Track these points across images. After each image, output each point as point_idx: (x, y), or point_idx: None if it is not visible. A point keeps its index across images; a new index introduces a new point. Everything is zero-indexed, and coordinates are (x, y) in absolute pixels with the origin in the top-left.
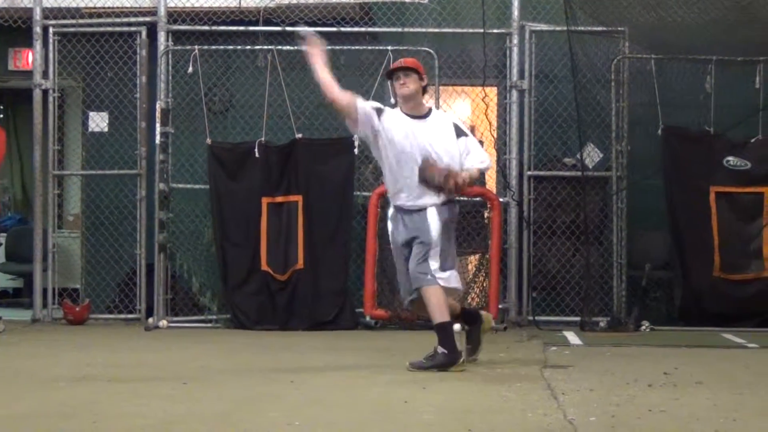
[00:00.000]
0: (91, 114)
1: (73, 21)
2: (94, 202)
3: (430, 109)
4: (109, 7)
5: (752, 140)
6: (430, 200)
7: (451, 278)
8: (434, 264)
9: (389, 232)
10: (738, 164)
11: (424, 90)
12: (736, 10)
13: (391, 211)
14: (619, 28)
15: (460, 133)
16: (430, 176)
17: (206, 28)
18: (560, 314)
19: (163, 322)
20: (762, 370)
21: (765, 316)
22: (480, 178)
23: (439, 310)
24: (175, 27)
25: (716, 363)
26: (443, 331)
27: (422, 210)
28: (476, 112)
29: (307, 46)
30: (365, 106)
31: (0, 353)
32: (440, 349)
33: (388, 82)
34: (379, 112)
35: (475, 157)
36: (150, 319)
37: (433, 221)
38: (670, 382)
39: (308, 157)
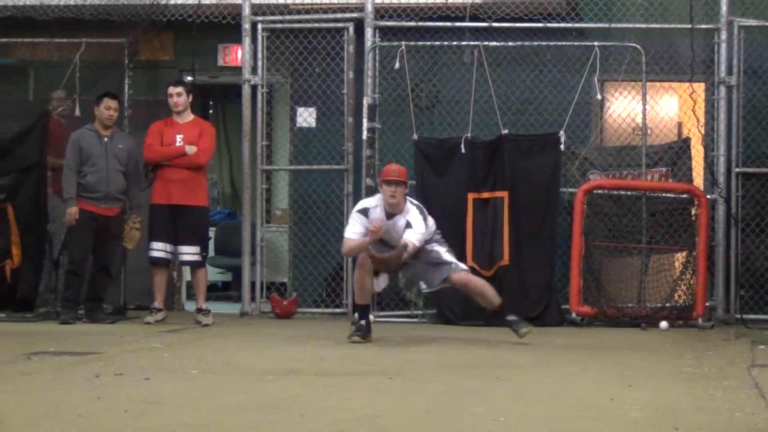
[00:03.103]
0: (299, 109)
1: (281, 17)
2: (302, 196)
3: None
4: (316, 3)
5: None
6: None
7: None
8: None
9: None
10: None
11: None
12: None
13: None
14: None
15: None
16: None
17: (413, 24)
18: None
19: (370, 317)
20: None
21: None
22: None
23: None
24: (382, 23)
25: None
26: None
27: None
28: (683, 108)
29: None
30: (357, 233)
31: (209, 346)
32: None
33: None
34: (364, 212)
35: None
36: (356, 314)
37: None
38: None
39: (514, 153)
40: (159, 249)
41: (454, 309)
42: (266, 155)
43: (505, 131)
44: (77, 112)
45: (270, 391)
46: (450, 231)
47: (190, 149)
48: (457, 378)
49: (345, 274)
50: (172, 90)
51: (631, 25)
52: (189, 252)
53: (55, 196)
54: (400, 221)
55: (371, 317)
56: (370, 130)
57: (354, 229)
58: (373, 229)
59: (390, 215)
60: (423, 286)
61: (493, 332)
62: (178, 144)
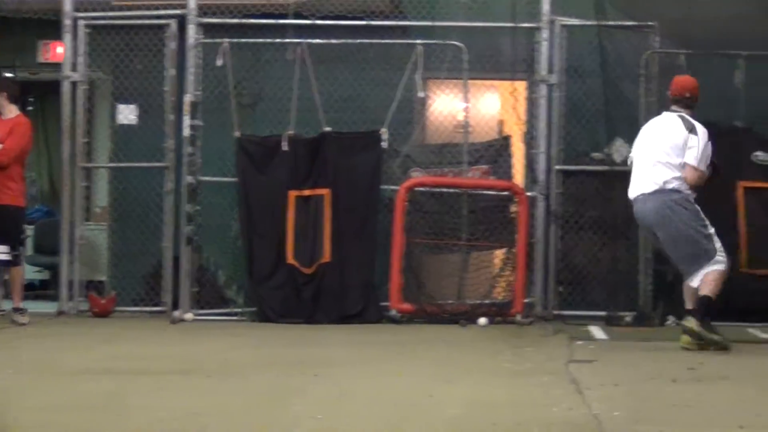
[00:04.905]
0: (120, 106)
1: (103, 13)
2: (122, 194)
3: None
4: (139, 0)
5: None
6: None
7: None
8: None
9: None
10: (767, 159)
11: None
12: (765, 3)
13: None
14: (649, 23)
15: None
16: None
17: (236, 20)
18: (586, 309)
19: (189, 315)
20: None
21: None
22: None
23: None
24: (205, 20)
25: (741, 358)
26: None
27: None
28: (505, 106)
29: None
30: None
31: (25, 346)
32: None
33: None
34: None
35: None
36: (175, 312)
37: None
38: (695, 378)
39: (336, 151)
40: None
41: (274, 307)
42: (86, 152)
43: (328, 129)
44: None
45: (87, 391)
46: (271, 228)
47: None
48: (276, 376)
49: (164, 272)
50: None
51: (453, 24)
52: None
53: None
54: None
55: (189, 315)
56: (192, 127)
57: None
58: None
59: None
60: None
61: (313, 330)
62: None
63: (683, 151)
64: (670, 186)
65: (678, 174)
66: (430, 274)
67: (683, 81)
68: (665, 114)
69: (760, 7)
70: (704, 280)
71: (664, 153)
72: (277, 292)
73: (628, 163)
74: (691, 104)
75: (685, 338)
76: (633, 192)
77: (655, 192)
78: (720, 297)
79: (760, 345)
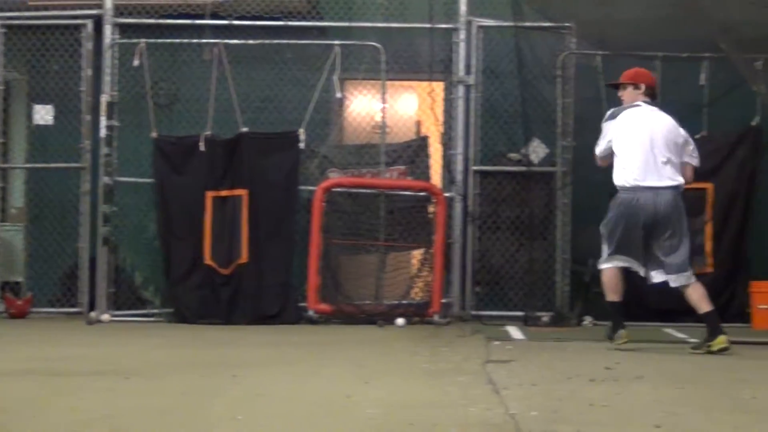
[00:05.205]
0: (36, 107)
1: (19, 13)
2: (38, 195)
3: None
4: (55, 0)
5: (696, 137)
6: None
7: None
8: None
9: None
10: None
11: (649, 91)
12: (682, 6)
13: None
14: (566, 24)
15: None
16: None
17: (153, 21)
18: (503, 309)
19: (106, 316)
20: (703, 365)
21: None
22: None
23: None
24: (122, 20)
25: (658, 358)
26: (708, 318)
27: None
28: (422, 106)
29: None
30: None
31: None
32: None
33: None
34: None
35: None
36: (92, 313)
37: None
38: (612, 377)
39: (253, 151)
40: None
41: (192, 308)
42: (2, 153)
43: (245, 129)
44: None
45: (3, 393)
46: (188, 229)
47: None
48: (194, 377)
49: (81, 273)
50: None
51: (371, 24)
52: None
53: None
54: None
55: (106, 316)
56: (108, 127)
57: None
58: None
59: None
60: None
61: (230, 330)
62: None
63: (682, 150)
64: (677, 185)
65: (680, 173)
66: (348, 274)
67: (648, 73)
68: (648, 107)
69: (676, 10)
70: (700, 296)
71: (669, 151)
72: (195, 293)
73: (601, 150)
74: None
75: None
76: (637, 180)
77: (669, 188)
78: (635, 297)
79: (676, 344)
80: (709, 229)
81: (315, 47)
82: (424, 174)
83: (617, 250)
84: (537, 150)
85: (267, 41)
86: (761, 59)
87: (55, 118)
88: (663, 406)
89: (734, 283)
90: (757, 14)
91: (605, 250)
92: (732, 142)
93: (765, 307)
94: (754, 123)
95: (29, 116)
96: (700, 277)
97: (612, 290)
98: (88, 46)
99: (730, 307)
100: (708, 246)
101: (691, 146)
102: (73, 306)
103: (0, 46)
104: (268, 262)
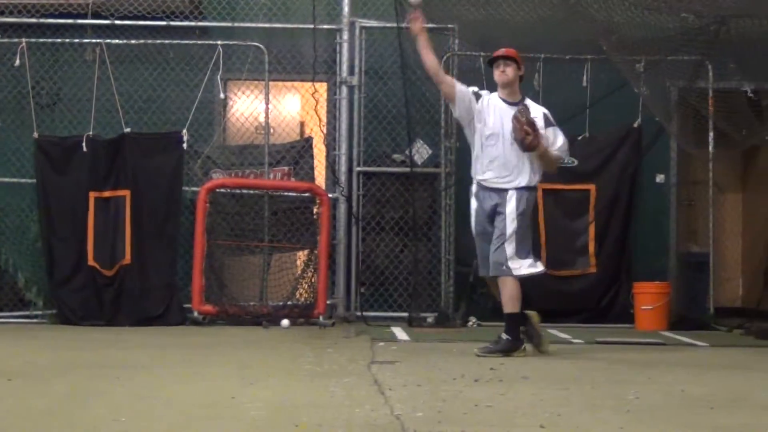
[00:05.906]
0: None
1: None
2: None
3: (523, 97)
4: None
5: (579, 138)
6: (514, 183)
7: (523, 266)
8: (510, 251)
9: (473, 210)
10: (565, 162)
11: (521, 79)
12: (563, 8)
13: (474, 188)
14: (449, 26)
15: (548, 123)
16: (514, 128)
17: (34, 20)
18: (388, 310)
19: None
20: (587, 365)
21: (590, 312)
22: (556, 166)
23: (510, 301)
24: (2, 19)
25: (541, 358)
26: (510, 320)
27: (504, 191)
28: (306, 107)
29: (411, 19)
30: (465, 90)
31: None
32: (505, 336)
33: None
34: (477, 96)
35: (557, 147)
36: None
37: (512, 205)
38: (497, 378)
39: (136, 152)
40: None
41: (75, 309)
42: None
43: (128, 129)
44: None
45: None
46: (71, 230)
47: None
48: (78, 378)
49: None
50: None
51: (254, 25)
52: None
53: None
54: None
55: None
56: None
57: (460, 86)
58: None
59: (507, 103)
60: None
61: (114, 332)
62: None
63: None
64: None
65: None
66: (233, 275)
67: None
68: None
69: (558, 11)
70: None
71: None
72: (78, 294)
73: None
74: None
75: None
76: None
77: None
78: (523, 299)
79: (560, 345)
80: (592, 230)
81: (198, 47)
82: (308, 175)
83: (534, 252)
84: (421, 151)
85: (149, 41)
86: (643, 61)
87: None
88: (548, 407)
89: (618, 284)
90: (639, 16)
91: (522, 251)
92: (614, 143)
93: (648, 307)
94: (635, 124)
95: None
96: (584, 277)
97: (518, 300)
98: None
99: (613, 307)
100: (591, 247)
101: None
102: None
103: None
104: (152, 263)
